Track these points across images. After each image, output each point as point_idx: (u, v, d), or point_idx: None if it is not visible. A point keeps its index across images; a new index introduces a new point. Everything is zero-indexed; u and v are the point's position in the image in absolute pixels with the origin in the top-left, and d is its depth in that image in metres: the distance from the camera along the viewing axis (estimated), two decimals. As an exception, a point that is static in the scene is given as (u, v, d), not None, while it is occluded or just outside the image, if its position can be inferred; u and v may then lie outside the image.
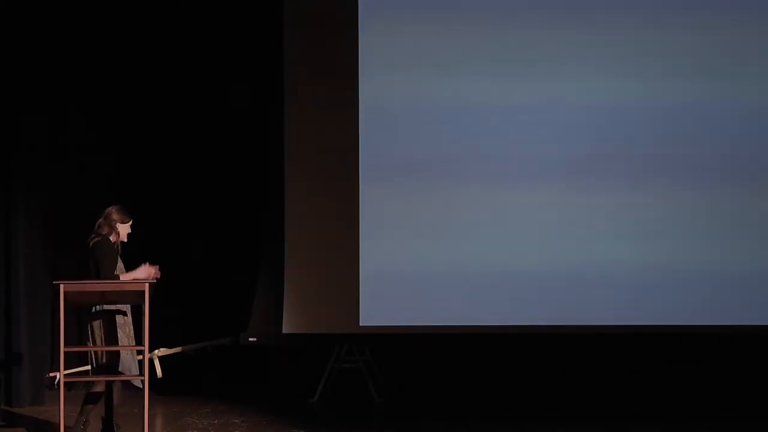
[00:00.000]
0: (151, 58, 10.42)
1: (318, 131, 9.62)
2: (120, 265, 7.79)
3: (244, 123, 10.45)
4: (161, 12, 10.30)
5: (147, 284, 7.46)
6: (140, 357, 7.97)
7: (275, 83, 9.78)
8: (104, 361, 7.71)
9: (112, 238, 7.77)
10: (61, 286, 7.42)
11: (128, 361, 7.73)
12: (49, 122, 9.65)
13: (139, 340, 7.76)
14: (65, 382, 7.56)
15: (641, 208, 9.47)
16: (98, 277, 7.62)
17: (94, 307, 7.68)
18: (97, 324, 7.68)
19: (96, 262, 7.67)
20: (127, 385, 7.97)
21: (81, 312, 8.95)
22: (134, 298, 7.59)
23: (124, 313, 7.72)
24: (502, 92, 9.51)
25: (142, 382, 7.60)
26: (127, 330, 7.72)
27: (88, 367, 7.90)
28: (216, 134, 10.55)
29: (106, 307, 7.67)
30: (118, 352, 7.65)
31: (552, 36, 9.53)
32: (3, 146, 9.22)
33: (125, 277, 7.69)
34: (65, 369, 7.59)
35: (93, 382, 7.80)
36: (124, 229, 7.81)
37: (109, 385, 7.77)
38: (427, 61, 9.54)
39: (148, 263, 7.79)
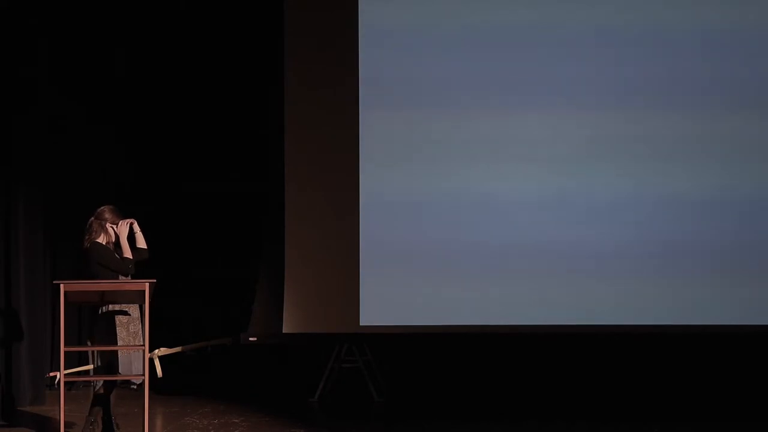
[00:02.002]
0: (150, 54, 10.43)
1: (318, 131, 9.62)
2: None
3: (244, 123, 10.46)
4: (160, 5, 10.30)
5: (147, 284, 7.46)
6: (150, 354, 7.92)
7: (275, 83, 9.79)
8: (103, 361, 7.71)
9: (103, 240, 7.76)
10: (61, 286, 7.42)
11: (127, 360, 7.72)
12: (48, 122, 9.65)
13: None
14: (65, 382, 7.55)
15: (641, 206, 9.48)
16: (107, 275, 7.64)
17: (100, 309, 7.68)
18: (100, 325, 7.69)
19: (99, 263, 7.67)
20: (124, 384, 7.99)
21: (82, 312, 8.96)
22: (134, 298, 7.59)
23: (125, 313, 7.71)
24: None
25: (142, 381, 7.60)
26: (132, 329, 7.70)
27: (88, 367, 7.88)
28: (216, 134, 10.56)
29: (114, 307, 7.67)
30: (117, 352, 7.65)
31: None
32: (3, 146, 9.22)
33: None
34: (65, 369, 7.59)
35: (97, 382, 7.78)
36: (114, 230, 7.78)
37: (109, 385, 7.76)
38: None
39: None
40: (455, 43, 9.55)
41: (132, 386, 7.84)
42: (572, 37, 9.53)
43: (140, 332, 7.71)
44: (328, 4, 9.69)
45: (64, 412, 7.44)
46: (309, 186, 9.62)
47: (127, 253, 7.72)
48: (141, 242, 7.89)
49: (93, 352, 7.74)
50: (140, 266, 7.84)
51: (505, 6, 9.57)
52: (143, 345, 7.59)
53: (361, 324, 9.54)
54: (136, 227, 7.87)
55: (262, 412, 9.02)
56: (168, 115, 10.54)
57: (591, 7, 9.53)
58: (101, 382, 7.72)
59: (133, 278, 7.71)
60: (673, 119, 9.48)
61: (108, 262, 7.66)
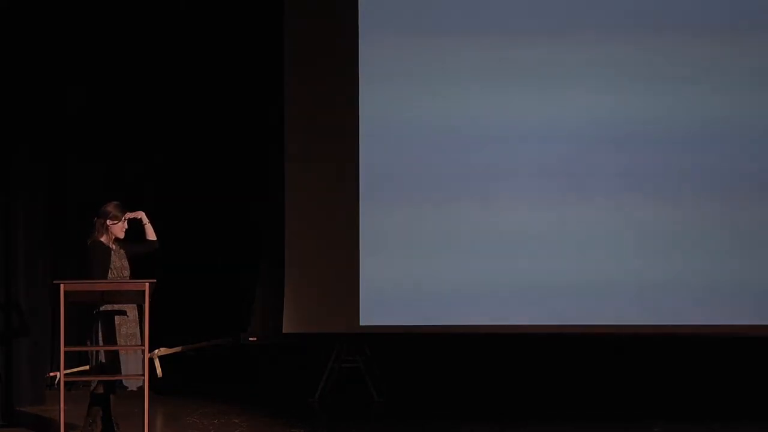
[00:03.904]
0: (150, 56, 10.42)
1: (318, 132, 9.63)
2: (123, 263, 7.78)
3: (244, 122, 10.46)
4: (161, 8, 10.30)
5: (147, 284, 7.46)
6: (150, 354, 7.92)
7: (275, 84, 9.79)
8: (103, 361, 7.71)
9: (105, 239, 7.75)
10: (61, 286, 7.42)
11: (126, 362, 7.71)
12: (49, 122, 9.66)
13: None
14: (65, 382, 7.55)
15: (641, 208, 9.48)
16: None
17: (96, 309, 7.68)
18: (98, 325, 7.68)
19: (88, 265, 7.68)
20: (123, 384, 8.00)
21: (81, 312, 8.96)
22: (134, 298, 7.59)
23: (124, 313, 7.71)
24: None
25: (142, 383, 7.60)
26: (123, 331, 7.69)
27: (88, 367, 7.88)
28: (216, 134, 10.56)
29: (107, 307, 7.66)
30: (118, 352, 7.64)
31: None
32: (3, 147, 9.22)
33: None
34: (65, 369, 7.59)
35: (94, 382, 7.78)
36: (116, 228, 7.77)
37: (109, 385, 7.76)
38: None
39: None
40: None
41: (133, 388, 7.84)
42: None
43: (137, 333, 7.71)
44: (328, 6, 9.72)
45: (64, 412, 7.44)
46: (309, 186, 9.62)
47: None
48: (150, 234, 7.92)
49: (91, 351, 7.74)
50: (148, 259, 7.88)
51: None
52: (143, 345, 7.59)
53: (361, 324, 9.54)
54: (145, 219, 7.90)
55: (262, 412, 9.02)
56: (168, 114, 10.54)
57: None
58: (97, 381, 7.73)
59: (133, 278, 7.72)
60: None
61: (89, 270, 7.66)
